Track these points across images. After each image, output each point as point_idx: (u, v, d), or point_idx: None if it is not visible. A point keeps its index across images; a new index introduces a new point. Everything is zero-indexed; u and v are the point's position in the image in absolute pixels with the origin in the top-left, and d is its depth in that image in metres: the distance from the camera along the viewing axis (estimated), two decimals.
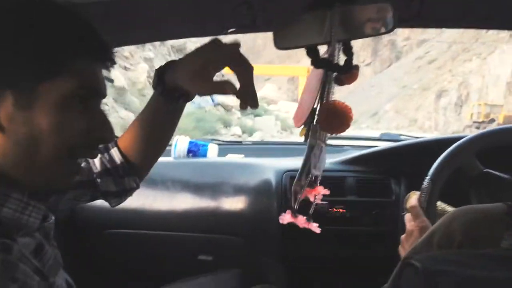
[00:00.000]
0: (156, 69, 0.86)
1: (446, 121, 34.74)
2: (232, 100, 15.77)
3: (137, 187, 0.97)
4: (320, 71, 0.96)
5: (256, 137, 12.42)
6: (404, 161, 1.55)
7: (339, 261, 1.52)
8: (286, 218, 1.00)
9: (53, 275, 0.70)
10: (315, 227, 1.00)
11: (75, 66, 0.63)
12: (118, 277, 1.76)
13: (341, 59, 0.93)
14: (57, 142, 0.62)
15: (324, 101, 0.91)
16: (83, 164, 0.86)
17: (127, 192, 0.96)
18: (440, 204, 1.20)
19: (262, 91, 26.72)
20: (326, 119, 0.90)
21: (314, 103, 0.94)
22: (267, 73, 33.73)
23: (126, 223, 1.70)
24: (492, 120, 29.17)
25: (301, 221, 1.00)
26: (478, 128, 29.62)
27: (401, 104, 36.11)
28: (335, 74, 0.94)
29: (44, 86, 0.60)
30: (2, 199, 0.61)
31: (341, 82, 0.95)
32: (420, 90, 38.55)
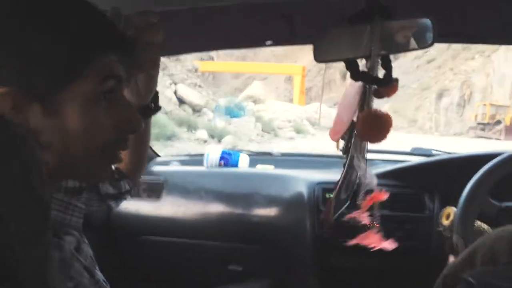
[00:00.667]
0: None
1: (448, 122, 32.59)
2: (201, 99, 14.82)
3: (131, 189, 0.99)
4: (358, 84, 0.97)
5: (226, 142, 11.14)
6: (437, 177, 1.54)
7: (372, 275, 1.51)
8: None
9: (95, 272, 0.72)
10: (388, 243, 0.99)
11: (96, 63, 0.61)
12: (149, 284, 1.78)
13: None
14: (89, 143, 0.62)
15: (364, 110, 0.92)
16: None
17: (123, 194, 0.98)
18: (477, 223, 1.19)
19: (249, 89, 24.82)
20: (364, 127, 0.91)
21: (354, 116, 0.95)
22: (260, 71, 31.60)
23: (159, 230, 1.73)
24: (498, 122, 27.31)
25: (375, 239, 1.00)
26: (483, 130, 27.66)
27: (400, 105, 33.93)
28: (374, 87, 0.95)
29: (69, 89, 0.59)
30: None
31: (380, 95, 0.96)
32: (419, 89, 36.62)
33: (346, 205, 1.06)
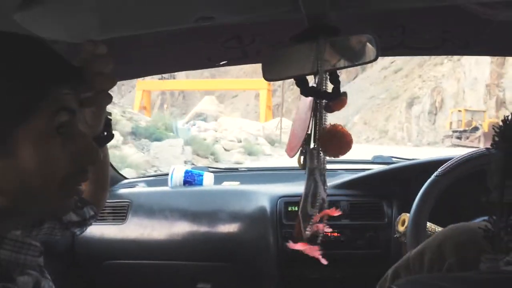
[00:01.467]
0: None
1: (420, 131, 31.61)
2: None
3: (96, 214, 1.00)
4: (309, 100, 1.00)
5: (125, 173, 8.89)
6: (396, 184, 1.58)
7: (335, 283, 1.54)
8: (296, 245, 1.00)
9: None
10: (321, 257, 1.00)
11: (48, 99, 0.59)
12: None
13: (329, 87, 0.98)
14: (46, 179, 0.61)
15: (323, 126, 0.94)
16: None
17: (88, 220, 0.98)
18: (430, 225, 1.23)
19: (199, 105, 22.83)
20: (327, 142, 0.94)
21: (308, 130, 0.98)
22: (224, 87, 30.80)
23: (125, 254, 1.72)
24: (475, 129, 25.11)
25: (313, 250, 1.01)
26: (459, 138, 25.59)
27: (370, 115, 33.07)
28: (324, 101, 0.98)
29: (22, 130, 0.58)
30: None
31: (330, 109, 0.99)
32: (388, 99, 35.12)
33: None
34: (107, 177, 1.03)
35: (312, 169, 0.99)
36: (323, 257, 1.46)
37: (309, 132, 0.98)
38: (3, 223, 0.62)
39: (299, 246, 1.00)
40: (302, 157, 1.01)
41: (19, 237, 0.64)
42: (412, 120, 32.67)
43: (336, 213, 1.02)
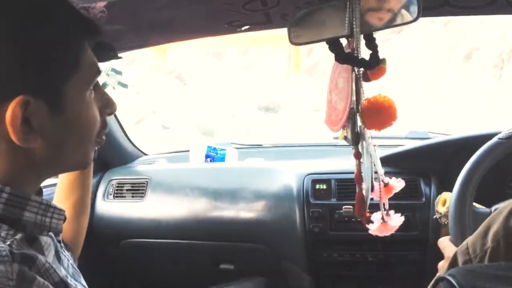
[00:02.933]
0: None
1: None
2: None
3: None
4: (345, 68, 0.89)
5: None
6: (434, 161, 1.46)
7: (368, 267, 1.44)
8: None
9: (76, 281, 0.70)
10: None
11: (85, 56, 0.63)
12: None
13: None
14: (90, 132, 0.66)
15: (363, 100, 0.84)
16: None
17: None
18: (475, 205, 1.12)
19: None
20: (371, 117, 0.84)
21: (349, 103, 0.87)
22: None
23: (144, 233, 1.66)
24: None
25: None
26: None
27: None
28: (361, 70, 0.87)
29: (68, 86, 0.60)
30: (23, 203, 0.61)
31: (367, 78, 0.88)
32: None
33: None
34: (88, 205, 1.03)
35: (367, 145, 0.90)
36: (353, 239, 1.38)
37: (351, 106, 0.88)
38: (35, 180, 0.64)
39: (379, 231, 0.94)
40: (344, 131, 0.92)
41: (44, 200, 0.64)
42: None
43: (400, 183, 0.97)
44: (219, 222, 1.57)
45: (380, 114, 0.84)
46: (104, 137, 0.72)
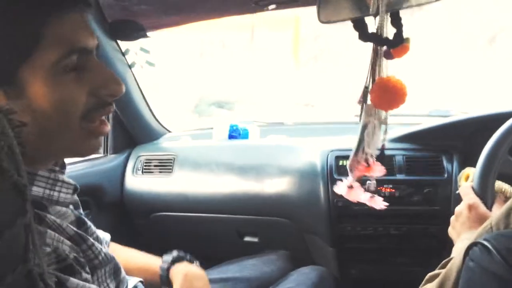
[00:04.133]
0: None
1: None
2: None
3: None
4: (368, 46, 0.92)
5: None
6: (456, 137, 1.48)
7: (390, 240, 1.48)
8: (341, 189, 1.00)
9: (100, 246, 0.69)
10: (379, 203, 0.99)
11: (48, 31, 0.55)
12: None
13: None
14: (65, 115, 0.59)
15: (377, 77, 0.87)
16: None
17: None
18: (497, 183, 1.14)
19: None
20: (379, 95, 0.87)
21: (366, 81, 0.90)
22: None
23: (172, 207, 1.72)
24: None
25: (365, 197, 1.00)
26: None
27: None
28: (384, 48, 0.90)
29: (25, 67, 0.55)
30: (30, 178, 0.60)
31: (390, 56, 0.90)
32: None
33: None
34: None
35: (366, 123, 0.93)
36: (376, 213, 1.41)
37: (367, 84, 0.91)
38: (36, 161, 0.61)
39: (344, 191, 0.96)
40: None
41: (52, 174, 0.64)
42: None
43: (381, 170, 0.97)
44: (243, 197, 1.62)
45: (388, 94, 0.87)
46: (103, 126, 0.65)
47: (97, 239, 0.71)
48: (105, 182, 1.71)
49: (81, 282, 0.56)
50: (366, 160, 0.96)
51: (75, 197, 0.75)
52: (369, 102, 0.91)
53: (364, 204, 1.43)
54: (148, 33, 1.35)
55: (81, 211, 0.76)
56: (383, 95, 0.87)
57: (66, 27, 0.57)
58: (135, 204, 1.77)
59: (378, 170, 0.98)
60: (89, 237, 0.66)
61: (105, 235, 0.92)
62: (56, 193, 0.64)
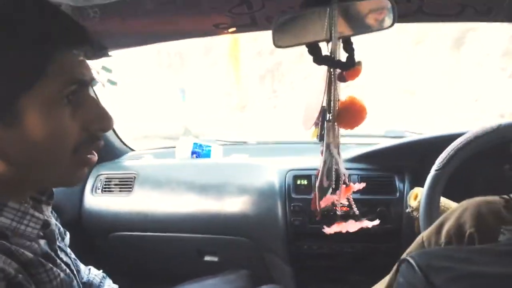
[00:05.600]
0: None
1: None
2: None
3: None
4: (321, 70, 0.96)
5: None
6: (408, 158, 1.54)
7: (345, 258, 1.52)
8: (332, 228, 1.00)
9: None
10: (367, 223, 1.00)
11: (54, 66, 0.57)
12: (124, 280, 1.76)
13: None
14: (55, 149, 0.60)
15: (338, 98, 0.91)
16: None
17: None
18: (443, 200, 1.19)
19: None
20: (344, 115, 0.90)
21: (323, 102, 0.94)
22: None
23: (131, 226, 1.71)
24: None
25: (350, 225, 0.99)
26: None
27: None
28: (338, 71, 0.94)
29: (24, 98, 0.56)
30: None
31: (343, 79, 0.95)
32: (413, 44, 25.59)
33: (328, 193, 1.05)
34: None
35: (328, 143, 0.96)
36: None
37: (324, 104, 0.95)
38: (13, 191, 0.62)
39: (335, 228, 0.98)
40: (316, 129, 0.98)
41: (22, 207, 0.63)
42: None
43: (360, 186, 0.98)
44: (204, 216, 1.63)
45: (352, 113, 0.91)
46: (91, 157, 0.66)
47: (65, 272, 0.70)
48: (63, 201, 1.68)
49: None
50: (330, 182, 0.98)
51: (58, 229, 0.76)
52: (327, 122, 0.94)
53: (321, 223, 1.48)
54: (110, 53, 1.35)
55: (60, 244, 0.75)
56: (348, 115, 0.90)
57: (68, 62, 0.59)
58: (93, 223, 1.75)
59: (358, 186, 1.01)
60: (48, 263, 0.65)
61: (111, 285, 0.97)
62: (23, 226, 0.63)
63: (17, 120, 0.56)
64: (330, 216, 1.44)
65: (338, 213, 1.03)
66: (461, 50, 8.13)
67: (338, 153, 0.96)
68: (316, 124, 0.97)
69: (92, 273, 0.97)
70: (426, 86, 7.91)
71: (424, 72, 8.11)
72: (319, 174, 0.96)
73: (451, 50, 8.19)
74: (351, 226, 1.02)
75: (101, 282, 0.96)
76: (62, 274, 0.68)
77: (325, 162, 0.97)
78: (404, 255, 0.93)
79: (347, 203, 1.05)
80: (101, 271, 1.00)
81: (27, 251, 0.62)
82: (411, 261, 0.46)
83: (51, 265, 0.66)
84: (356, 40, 0.95)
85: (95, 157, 0.67)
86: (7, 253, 0.59)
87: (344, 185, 0.98)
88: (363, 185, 1.01)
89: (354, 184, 1.01)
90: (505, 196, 0.56)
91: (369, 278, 1.54)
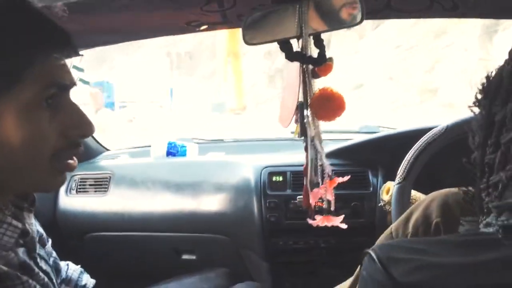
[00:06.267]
0: None
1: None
2: None
3: None
4: (296, 67, 0.97)
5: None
6: (381, 153, 1.56)
7: (320, 253, 1.53)
8: (317, 221, 0.98)
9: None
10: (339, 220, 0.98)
11: (36, 68, 0.57)
12: (102, 280, 1.74)
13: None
14: (33, 153, 0.59)
15: (313, 91, 0.91)
16: None
17: None
18: (415, 194, 1.22)
19: None
20: (321, 107, 0.90)
21: (298, 98, 0.95)
22: None
23: (107, 226, 1.69)
24: None
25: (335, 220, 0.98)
26: None
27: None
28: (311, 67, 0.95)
29: (2, 101, 0.55)
30: None
31: (315, 75, 0.96)
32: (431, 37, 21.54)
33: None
34: None
35: (312, 138, 0.96)
36: (306, 227, 1.45)
37: (300, 99, 0.95)
38: None
39: (321, 221, 0.98)
40: (297, 126, 0.98)
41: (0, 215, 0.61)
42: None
43: (345, 178, 0.98)
44: (180, 215, 1.63)
45: (329, 104, 0.91)
46: (71, 162, 0.65)
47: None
48: (37, 202, 1.65)
49: None
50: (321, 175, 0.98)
51: (41, 235, 0.77)
52: (306, 117, 0.94)
53: (296, 219, 1.49)
54: (81, 52, 1.33)
55: (40, 251, 0.73)
56: (326, 105, 0.90)
57: (48, 66, 0.58)
58: (69, 224, 1.73)
59: (342, 179, 1.00)
60: (24, 276, 0.64)
61: (88, 280, 0.96)
62: None
63: None
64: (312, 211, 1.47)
65: (325, 207, 1.02)
66: None
67: (321, 147, 0.97)
68: (296, 121, 0.97)
69: (70, 268, 0.97)
70: None
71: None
72: (308, 170, 0.96)
73: None
74: (336, 220, 1.02)
75: (79, 277, 0.97)
76: (37, 286, 0.66)
77: (311, 158, 0.98)
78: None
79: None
80: (79, 266, 1.00)
81: (1, 263, 0.60)
82: (372, 253, 0.47)
83: (26, 278, 0.64)
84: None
85: (75, 162, 0.66)
86: None
87: (329, 179, 0.98)
88: (347, 177, 1.01)
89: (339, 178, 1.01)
90: (464, 188, 0.57)
91: (344, 271, 1.57)
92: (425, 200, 0.92)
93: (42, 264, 0.72)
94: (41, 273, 0.69)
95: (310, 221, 0.99)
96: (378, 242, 0.96)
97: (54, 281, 0.74)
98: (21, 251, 0.67)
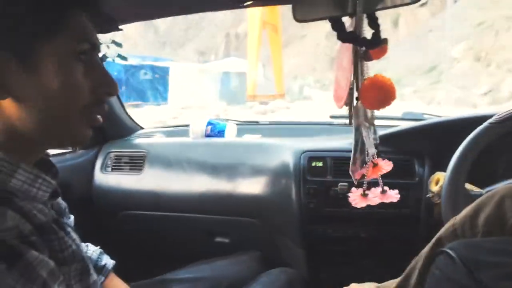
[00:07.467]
0: None
1: None
2: None
3: None
4: (349, 46, 0.91)
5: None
6: (428, 141, 1.49)
7: (360, 243, 1.48)
8: (359, 202, 0.98)
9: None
10: (393, 195, 0.96)
11: (71, 22, 0.62)
12: (134, 259, 1.75)
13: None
14: (68, 102, 0.63)
15: (363, 78, 0.86)
16: None
17: None
18: (467, 185, 1.15)
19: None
20: (369, 96, 0.85)
21: (350, 82, 0.89)
22: None
23: (142, 205, 1.69)
24: None
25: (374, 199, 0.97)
26: None
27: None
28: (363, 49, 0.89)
29: (45, 47, 0.60)
30: (11, 170, 0.61)
31: (369, 58, 0.89)
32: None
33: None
34: None
35: (358, 125, 0.91)
36: (347, 215, 1.40)
37: (351, 85, 0.90)
38: (26, 152, 0.64)
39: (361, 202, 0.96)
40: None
41: (34, 170, 0.64)
42: None
43: (389, 164, 0.94)
44: (216, 197, 1.60)
45: (379, 93, 0.85)
46: (98, 117, 0.69)
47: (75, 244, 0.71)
48: (73, 178, 1.66)
49: (41, 256, 0.56)
50: (363, 162, 0.94)
51: (64, 207, 0.79)
52: (355, 103, 0.89)
53: (336, 206, 1.44)
54: (121, 26, 1.31)
55: (66, 221, 0.75)
56: (376, 94, 0.85)
57: (81, 23, 0.64)
58: (104, 201, 1.73)
59: (387, 165, 0.95)
60: (61, 231, 0.66)
61: (108, 261, 1.01)
62: (34, 189, 0.64)
63: (35, 67, 0.60)
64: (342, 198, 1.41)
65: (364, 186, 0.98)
66: None
67: (372, 134, 0.91)
68: (345, 103, 0.93)
69: (90, 249, 1.00)
70: None
71: None
72: (351, 157, 0.93)
73: None
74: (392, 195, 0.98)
75: (98, 257, 1.00)
76: (73, 245, 0.69)
77: (356, 144, 0.93)
78: (433, 241, 0.88)
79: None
80: (99, 247, 1.04)
81: (39, 214, 0.63)
82: (452, 253, 0.41)
83: (63, 234, 0.67)
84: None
85: (101, 118, 0.70)
86: (20, 213, 0.59)
87: (373, 165, 0.94)
88: (391, 166, 0.95)
89: (382, 164, 0.95)
90: None
91: (383, 263, 1.52)
92: (494, 197, 0.84)
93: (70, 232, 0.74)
94: (72, 235, 0.72)
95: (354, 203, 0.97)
96: (438, 236, 0.89)
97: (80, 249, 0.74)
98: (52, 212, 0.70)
